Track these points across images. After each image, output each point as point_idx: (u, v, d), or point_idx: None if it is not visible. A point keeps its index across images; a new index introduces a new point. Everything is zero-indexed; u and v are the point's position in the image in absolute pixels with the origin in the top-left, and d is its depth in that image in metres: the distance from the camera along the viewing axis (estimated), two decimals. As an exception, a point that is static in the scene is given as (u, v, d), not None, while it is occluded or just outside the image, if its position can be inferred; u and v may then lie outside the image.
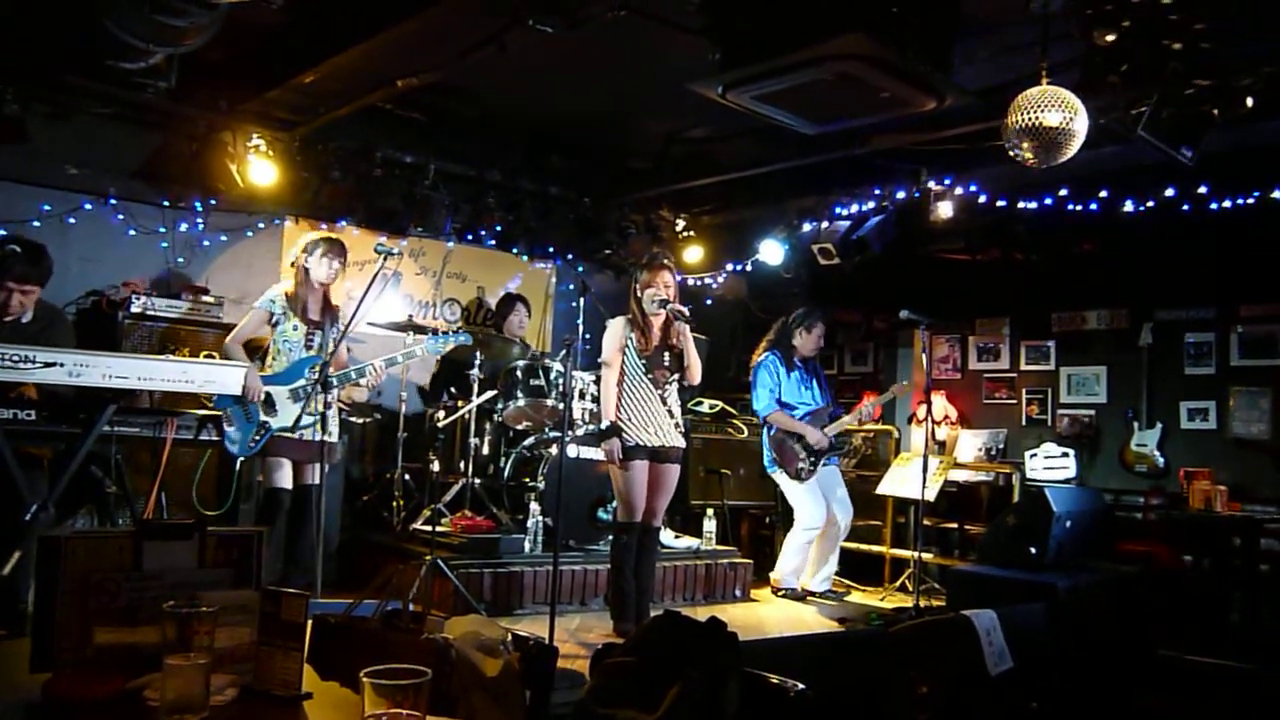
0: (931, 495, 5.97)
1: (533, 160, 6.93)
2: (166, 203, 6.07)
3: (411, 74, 5.01)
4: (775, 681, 1.89)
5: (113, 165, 5.81)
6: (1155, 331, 6.62)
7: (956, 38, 4.20)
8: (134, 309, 5.43)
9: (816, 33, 3.89)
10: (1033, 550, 4.91)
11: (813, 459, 5.80)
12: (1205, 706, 3.93)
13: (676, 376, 4.71)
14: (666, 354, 4.68)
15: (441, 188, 6.38)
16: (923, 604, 5.39)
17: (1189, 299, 6.56)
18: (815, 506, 5.81)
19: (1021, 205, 5.96)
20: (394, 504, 5.80)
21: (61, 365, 3.26)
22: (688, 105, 4.97)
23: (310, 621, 1.76)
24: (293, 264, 4.83)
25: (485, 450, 5.99)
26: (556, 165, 7.01)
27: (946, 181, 6.01)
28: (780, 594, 5.94)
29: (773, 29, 4.04)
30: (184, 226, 6.16)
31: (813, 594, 5.96)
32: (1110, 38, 3.78)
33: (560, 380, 5.65)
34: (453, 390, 6.09)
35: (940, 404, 7.47)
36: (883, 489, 6.32)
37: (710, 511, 6.11)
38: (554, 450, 5.50)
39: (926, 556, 6.12)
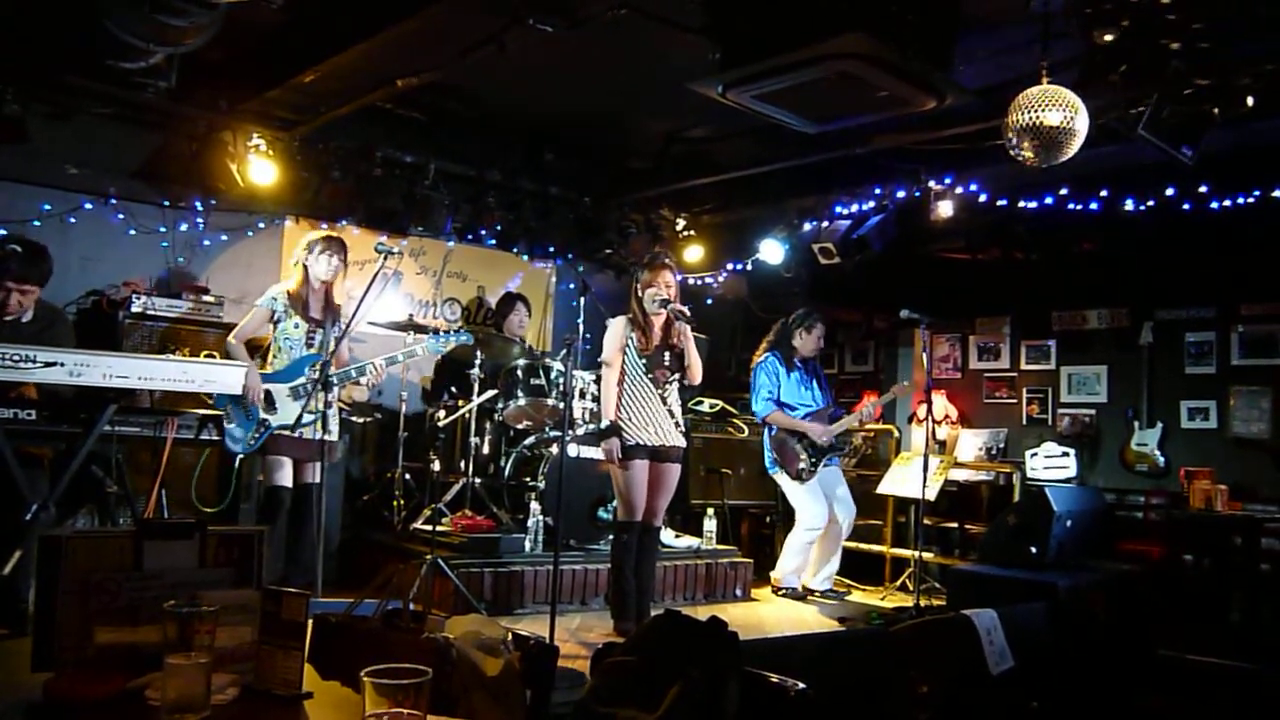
0: (932, 495, 5.97)
1: (533, 160, 6.93)
2: (167, 202, 6.08)
3: (411, 74, 5.01)
4: (776, 681, 1.89)
5: (113, 165, 5.81)
6: (1156, 331, 6.62)
7: (956, 37, 4.20)
8: (134, 309, 5.44)
9: (816, 32, 3.88)
10: (1033, 550, 4.91)
11: (814, 460, 5.80)
12: (1205, 706, 3.92)
13: (677, 376, 4.71)
14: (667, 354, 4.68)
15: (442, 187, 6.38)
16: (923, 603, 5.39)
17: (1189, 298, 6.56)
18: (817, 507, 5.82)
19: (1022, 204, 5.96)
20: (394, 503, 5.81)
21: (62, 365, 3.25)
22: (688, 105, 4.97)
23: (311, 621, 1.76)
24: (295, 264, 4.85)
25: (486, 450, 5.99)
26: (557, 165, 7.01)
27: (947, 181, 6.01)
28: (781, 593, 5.95)
29: (773, 28, 4.04)
30: (184, 226, 6.16)
31: (814, 592, 5.97)
32: (1109, 37, 3.77)
33: (561, 380, 5.65)
34: (453, 389, 6.09)
35: (941, 403, 7.47)
36: (883, 488, 6.32)
37: (711, 511, 6.11)
38: (554, 449, 5.51)
39: (927, 556, 6.13)
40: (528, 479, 5.63)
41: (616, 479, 4.64)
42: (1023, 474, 6.74)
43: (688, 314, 4.61)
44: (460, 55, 4.68)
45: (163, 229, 6.09)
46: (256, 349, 4.93)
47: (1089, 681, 4.06)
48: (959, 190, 6.00)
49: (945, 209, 6.02)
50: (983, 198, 5.99)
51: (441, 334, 5.10)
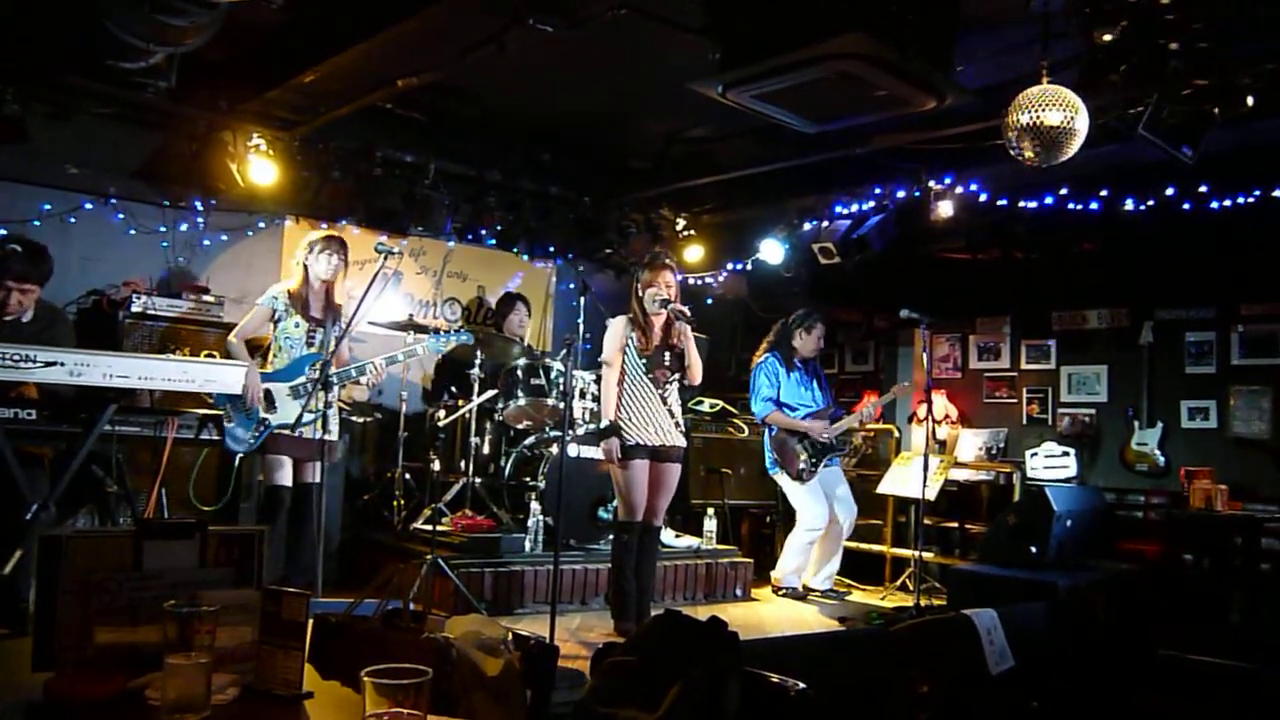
0: (932, 494, 5.97)
1: (533, 160, 6.93)
2: (167, 202, 6.08)
3: (411, 74, 5.00)
4: (776, 680, 1.89)
5: (113, 165, 5.81)
6: (1156, 330, 6.63)
7: (956, 37, 4.20)
8: (134, 308, 5.44)
9: (816, 32, 3.88)
10: (1033, 549, 4.91)
11: (814, 460, 5.80)
12: (1205, 706, 3.92)
13: (677, 376, 4.71)
14: (667, 353, 4.68)
15: (442, 187, 6.38)
16: (923, 603, 5.39)
17: (1189, 298, 6.57)
18: (817, 507, 5.82)
19: (1022, 204, 5.96)
20: (395, 503, 5.80)
21: (62, 364, 3.26)
22: (688, 105, 4.97)
23: (311, 621, 1.76)
24: (296, 263, 4.85)
25: (486, 449, 5.99)
26: (557, 165, 7.01)
27: (947, 180, 6.01)
28: (781, 593, 5.94)
29: (773, 28, 4.04)
30: (184, 226, 6.16)
31: (814, 592, 5.97)
32: (1109, 37, 3.78)
33: (561, 379, 5.65)
34: (453, 389, 6.09)
35: (941, 403, 7.47)
36: (883, 488, 6.32)
37: (711, 511, 6.11)
38: (554, 449, 5.51)
39: (927, 556, 6.12)
40: (528, 479, 5.63)
41: (616, 479, 4.64)
42: (1023, 474, 6.74)
43: (688, 314, 4.60)
44: (460, 55, 4.68)
45: (163, 229, 6.10)
46: (257, 348, 4.93)
47: (1089, 681, 4.07)
48: (959, 190, 6.00)
49: (945, 209, 6.02)
50: (983, 198, 5.99)
51: (442, 334, 5.10)
